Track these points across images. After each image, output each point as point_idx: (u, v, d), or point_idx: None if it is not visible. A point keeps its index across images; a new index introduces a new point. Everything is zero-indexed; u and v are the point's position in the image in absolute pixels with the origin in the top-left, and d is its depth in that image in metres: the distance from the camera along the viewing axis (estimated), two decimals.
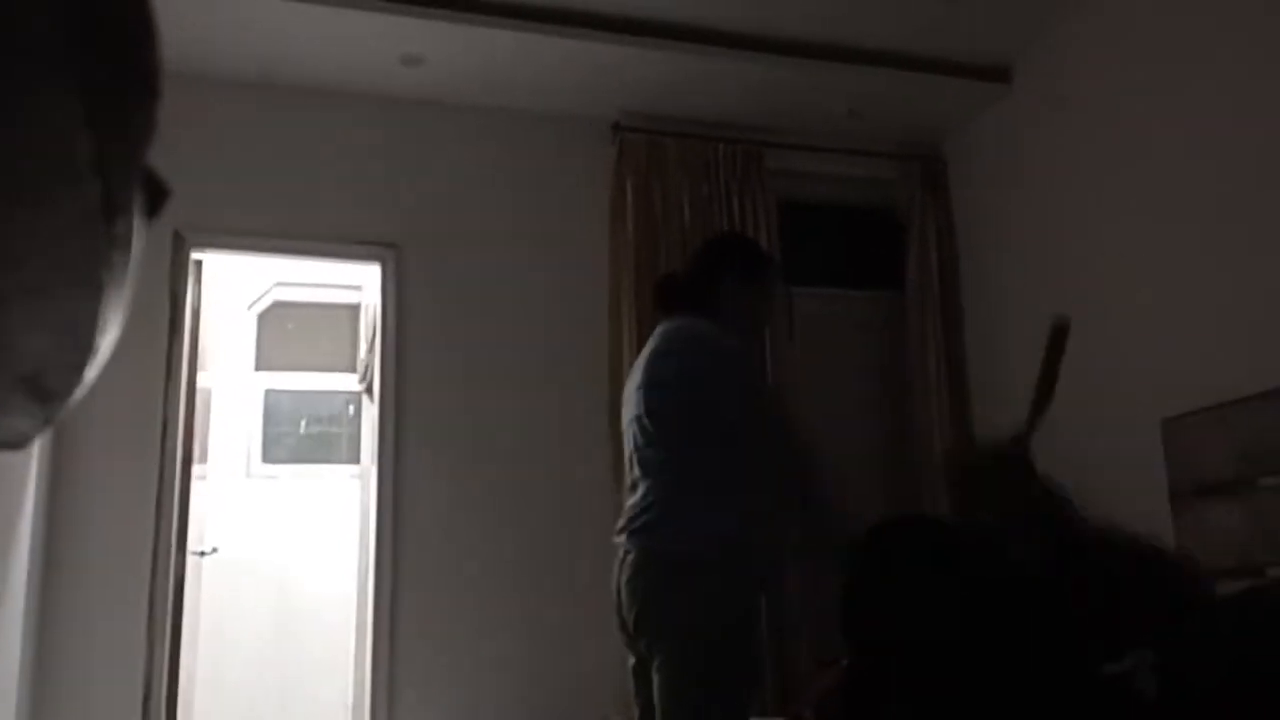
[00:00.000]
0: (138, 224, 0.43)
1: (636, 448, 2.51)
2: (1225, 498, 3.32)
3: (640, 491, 2.48)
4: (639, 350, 4.32)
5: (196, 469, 4.32)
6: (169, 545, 3.88)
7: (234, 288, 6.08)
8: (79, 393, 0.45)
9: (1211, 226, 3.51)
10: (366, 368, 4.91)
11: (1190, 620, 2.40)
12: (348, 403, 6.23)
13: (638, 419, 2.50)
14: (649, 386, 2.51)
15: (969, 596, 2.29)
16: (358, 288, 5.53)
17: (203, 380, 4.51)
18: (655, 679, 2.36)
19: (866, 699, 2.28)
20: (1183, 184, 3.63)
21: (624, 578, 2.44)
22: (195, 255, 4.16)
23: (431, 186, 4.39)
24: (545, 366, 4.32)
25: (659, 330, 2.60)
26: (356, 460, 5.51)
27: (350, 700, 4.86)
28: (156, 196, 0.44)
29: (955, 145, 4.92)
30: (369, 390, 4.68)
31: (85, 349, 0.43)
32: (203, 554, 4.72)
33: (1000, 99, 4.54)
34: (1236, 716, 1.99)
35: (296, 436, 6.36)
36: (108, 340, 0.44)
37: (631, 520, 2.47)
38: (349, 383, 5.96)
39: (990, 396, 4.63)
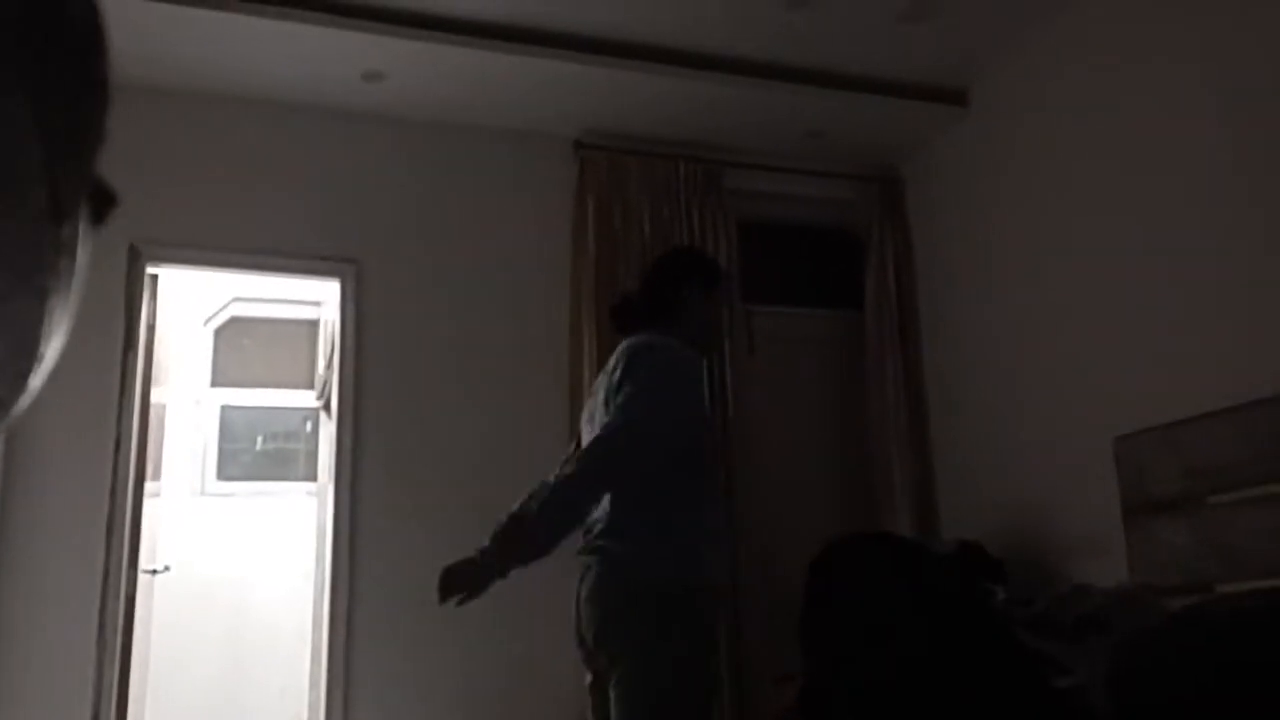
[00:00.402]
0: (84, 231, 0.43)
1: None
2: (1174, 515, 3.38)
3: (601, 509, 2.48)
4: (600, 367, 4.34)
5: (150, 486, 4.26)
6: (120, 563, 3.82)
7: (191, 303, 6.03)
8: (24, 401, 0.45)
9: (1162, 252, 3.58)
10: (325, 384, 4.88)
11: (1140, 635, 2.44)
12: (305, 419, 6.17)
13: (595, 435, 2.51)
14: (606, 404, 2.52)
15: (924, 611, 2.31)
16: (317, 304, 5.50)
17: (157, 396, 4.45)
18: (613, 694, 2.36)
19: (822, 711, 2.29)
20: (1134, 208, 3.70)
21: (584, 594, 2.45)
22: (151, 269, 4.12)
23: (392, 203, 4.38)
24: (505, 383, 4.31)
25: (619, 348, 2.61)
26: (314, 477, 5.46)
27: (304, 718, 4.80)
28: (104, 204, 0.45)
29: (913, 167, 4.99)
30: (327, 407, 4.65)
31: (30, 356, 0.43)
32: (155, 572, 4.65)
33: (958, 121, 4.62)
34: None
35: (253, 453, 6.29)
36: (53, 347, 0.44)
37: (592, 538, 2.47)
38: (307, 399, 5.91)
39: (947, 414, 4.68)
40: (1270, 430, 3.09)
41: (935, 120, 4.66)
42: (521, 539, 2.37)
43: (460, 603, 2.45)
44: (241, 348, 6.30)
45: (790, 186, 4.93)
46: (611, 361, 2.60)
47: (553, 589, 4.17)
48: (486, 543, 2.46)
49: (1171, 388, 3.47)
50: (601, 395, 2.59)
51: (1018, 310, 4.26)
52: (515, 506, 2.54)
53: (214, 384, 6.24)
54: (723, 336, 2.95)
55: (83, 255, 0.42)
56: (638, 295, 2.79)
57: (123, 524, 3.85)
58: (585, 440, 2.59)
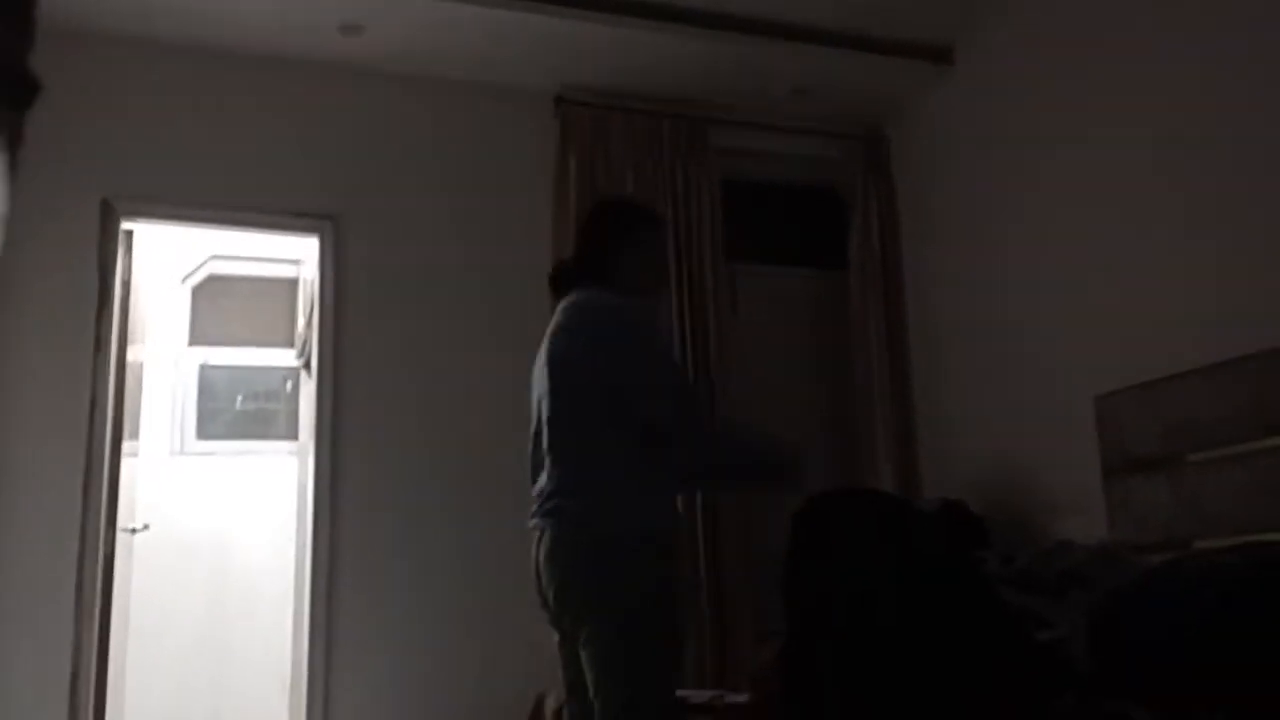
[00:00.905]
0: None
1: (545, 424, 2.50)
2: (1154, 473, 3.40)
3: (552, 470, 2.47)
4: None
5: (128, 445, 4.23)
6: (98, 522, 3.79)
7: (168, 261, 5.95)
8: None
9: (1143, 209, 3.58)
10: (305, 343, 4.83)
11: (1119, 590, 2.46)
12: (285, 378, 6.12)
13: (546, 396, 2.50)
14: (554, 364, 2.51)
15: (908, 567, 2.32)
16: (296, 261, 5.44)
17: (134, 354, 4.40)
18: (583, 654, 2.36)
19: (804, 669, 2.30)
20: (1117, 166, 3.69)
21: (541, 556, 2.44)
22: (125, 225, 4.05)
23: (371, 158, 4.32)
24: (486, 341, 4.28)
25: (561, 306, 2.60)
26: (295, 437, 5.43)
27: (288, 677, 4.81)
28: (27, 90, 0.42)
29: (898, 125, 4.96)
30: (307, 365, 4.61)
31: None
32: (134, 531, 4.63)
33: (944, 79, 4.58)
34: (1160, 676, 2.04)
35: (232, 412, 6.25)
36: None
37: (545, 500, 2.46)
38: (287, 358, 5.87)
39: (930, 374, 4.69)
40: (1249, 388, 3.10)
41: (921, 78, 4.62)
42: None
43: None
44: (219, 306, 6.24)
45: (775, 144, 4.89)
46: (559, 319, 2.56)
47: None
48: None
49: (1152, 346, 3.47)
50: (546, 353, 2.55)
51: (1001, 269, 4.26)
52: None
53: (192, 343, 6.18)
54: (665, 283, 2.89)
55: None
56: (573, 258, 2.76)
57: (100, 482, 3.82)
58: (542, 409, 2.55)
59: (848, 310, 4.84)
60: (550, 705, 3.31)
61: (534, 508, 2.50)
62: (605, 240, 2.69)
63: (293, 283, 5.78)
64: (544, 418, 2.50)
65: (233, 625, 5.65)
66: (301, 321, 5.14)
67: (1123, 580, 2.63)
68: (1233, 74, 3.28)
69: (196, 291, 6.23)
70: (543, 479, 2.49)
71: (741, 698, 2.85)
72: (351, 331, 4.18)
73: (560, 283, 2.71)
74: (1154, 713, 1.93)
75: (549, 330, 2.59)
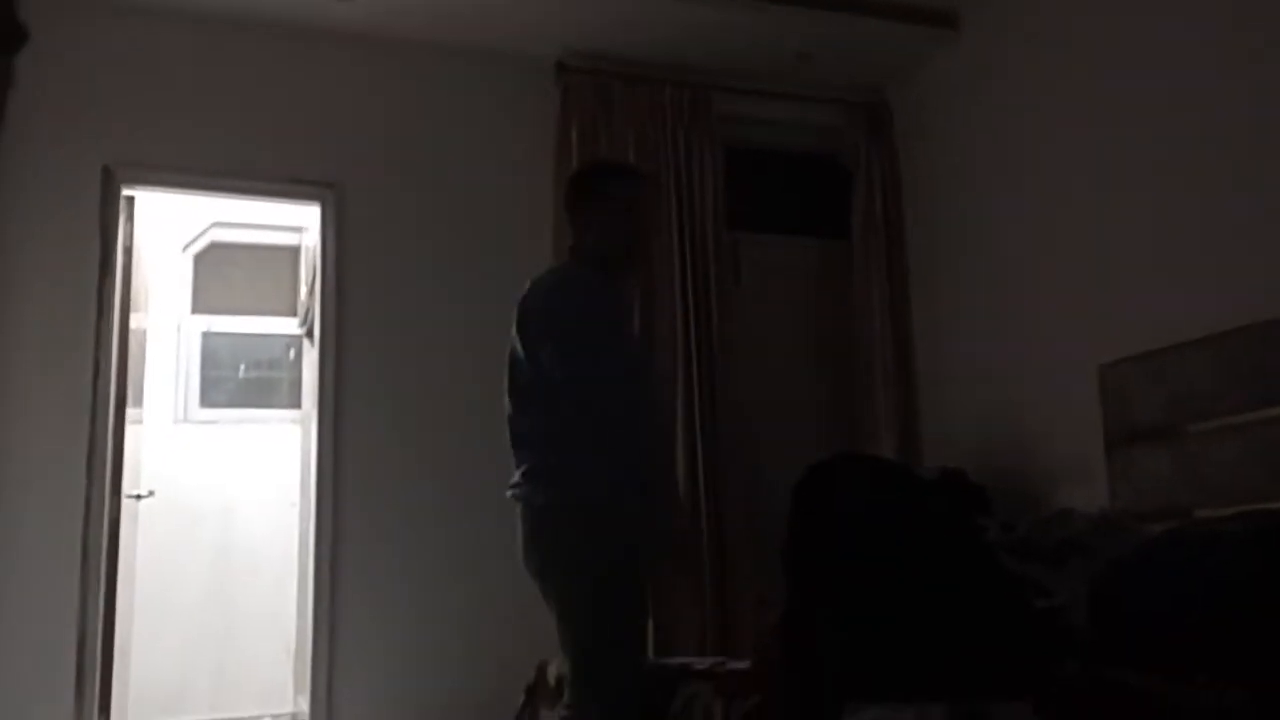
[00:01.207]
0: None
1: (510, 397, 2.59)
2: (1156, 443, 3.40)
3: (519, 445, 2.56)
4: None
5: (131, 412, 4.24)
6: (103, 488, 3.81)
7: (170, 229, 5.94)
8: None
9: (1146, 178, 3.56)
10: (307, 311, 4.83)
11: (1120, 559, 2.47)
12: (288, 346, 6.13)
13: (510, 368, 2.60)
14: (518, 339, 2.58)
15: (909, 534, 2.33)
16: (298, 229, 5.43)
17: (136, 322, 4.40)
18: (554, 617, 2.43)
19: (804, 636, 2.32)
20: (1121, 134, 3.66)
21: (522, 530, 2.52)
22: (127, 191, 4.04)
23: (372, 125, 4.30)
24: (487, 307, 4.25)
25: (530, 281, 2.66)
26: (297, 405, 5.44)
27: (293, 641, 4.85)
28: (14, 36, 0.41)
29: (902, 92, 4.92)
30: (310, 334, 4.62)
31: None
32: (139, 497, 4.66)
33: (948, 45, 4.54)
34: (1161, 645, 2.05)
35: (235, 380, 6.26)
36: None
37: (520, 475, 2.54)
38: (289, 326, 5.87)
39: (933, 344, 4.68)
40: (1251, 359, 3.10)
41: (925, 43, 4.58)
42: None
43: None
44: (222, 274, 6.23)
45: (778, 111, 4.86)
46: (524, 294, 2.63)
47: None
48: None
49: (1156, 316, 3.46)
50: (514, 328, 2.61)
51: (1005, 237, 4.24)
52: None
53: (195, 310, 6.19)
54: (634, 245, 2.76)
55: None
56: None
57: (104, 449, 3.83)
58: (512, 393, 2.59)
59: (850, 278, 4.83)
60: (552, 671, 3.33)
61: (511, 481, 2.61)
62: (570, 210, 2.70)
63: (295, 251, 5.77)
64: (509, 389, 2.60)
65: (237, 590, 5.69)
66: (304, 290, 5.14)
67: (1123, 549, 2.64)
68: (1240, 41, 3.25)
69: (199, 259, 6.23)
70: (517, 452, 2.60)
71: (743, 664, 2.87)
72: (353, 299, 4.17)
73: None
74: (1154, 681, 1.94)
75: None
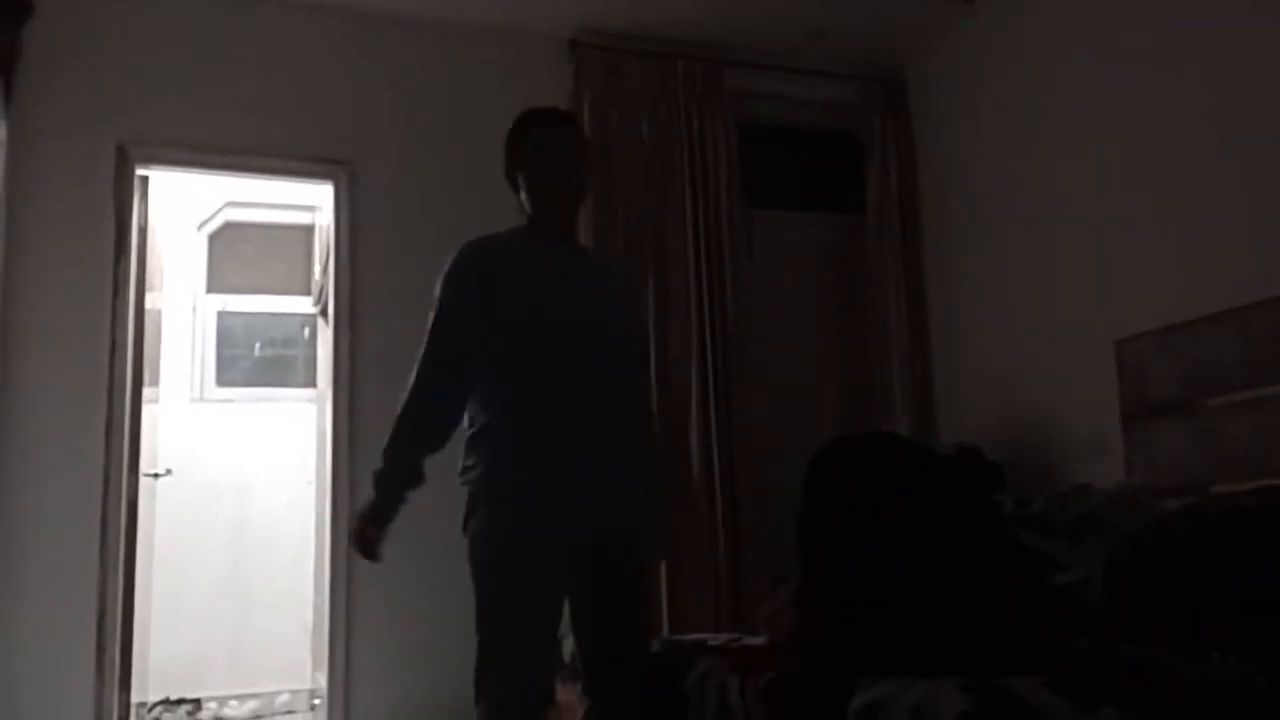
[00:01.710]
0: None
1: None
2: (1173, 417, 3.38)
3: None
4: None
5: (148, 392, 4.26)
6: (121, 466, 3.84)
7: (183, 208, 5.95)
8: None
9: (1164, 153, 3.52)
10: (321, 290, 4.84)
11: (1136, 534, 2.46)
12: (303, 325, 6.15)
13: None
14: None
15: (924, 510, 2.33)
16: (312, 208, 5.43)
17: (152, 301, 4.42)
18: None
19: (818, 611, 2.32)
20: (1139, 108, 3.62)
21: None
22: (141, 171, 4.04)
23: (384, 103, 4.29)
24: None
25: None
26: (313, 384, 5.46)
27: (310, 621, 4.89)
28: (19, 9, 0.40)
29: (917, 67, 4.88)
30: (324, 313, 4.62)
31: None
32: (156, 476, 4.69)
33: (963, 19, 4.50)
34: (1177, 620, 2.05)
35: (251, 359, 6.28)
36: None
37: None
38: (304, 305, 5.88)
39: (948, 320, 4.66)
40: (1269, 332, 3.08)
41: (940, 17, 4.53)
42: None
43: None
44: (236, 253, 6.25)
45: (792, 87, 4.83)
46: None
47: None
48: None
49: (1173, 290, 3.44)
50: None
51: (1021, 213, 4.21)
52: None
53: (210, 290, 6.21)
54: (552, 196, 2.54)
55: None
56: None
57: (121, 428, 3.86)
58: None
59: (865, 255, 4.80)
60: (568, 647, 3.35)
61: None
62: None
63: (309, 230, 5.78)
64: None
65: (254, 568, 5.73)
66: (318, 268, 5.15)
67: (1140, 524, 2.63)
68: (1262, 15, 3.20)
69: (213, 238, 6.24)
70: None
71: (758, 640, 2.87)
72: (367, 278, 4.17)
73: None
74: (1170, 656, 1.94)
75: None
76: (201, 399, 6.03)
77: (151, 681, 4.99)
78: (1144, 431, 3.50)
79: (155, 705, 5.29)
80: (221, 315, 6.19)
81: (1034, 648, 2.07)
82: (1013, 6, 4.28)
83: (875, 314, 4.74)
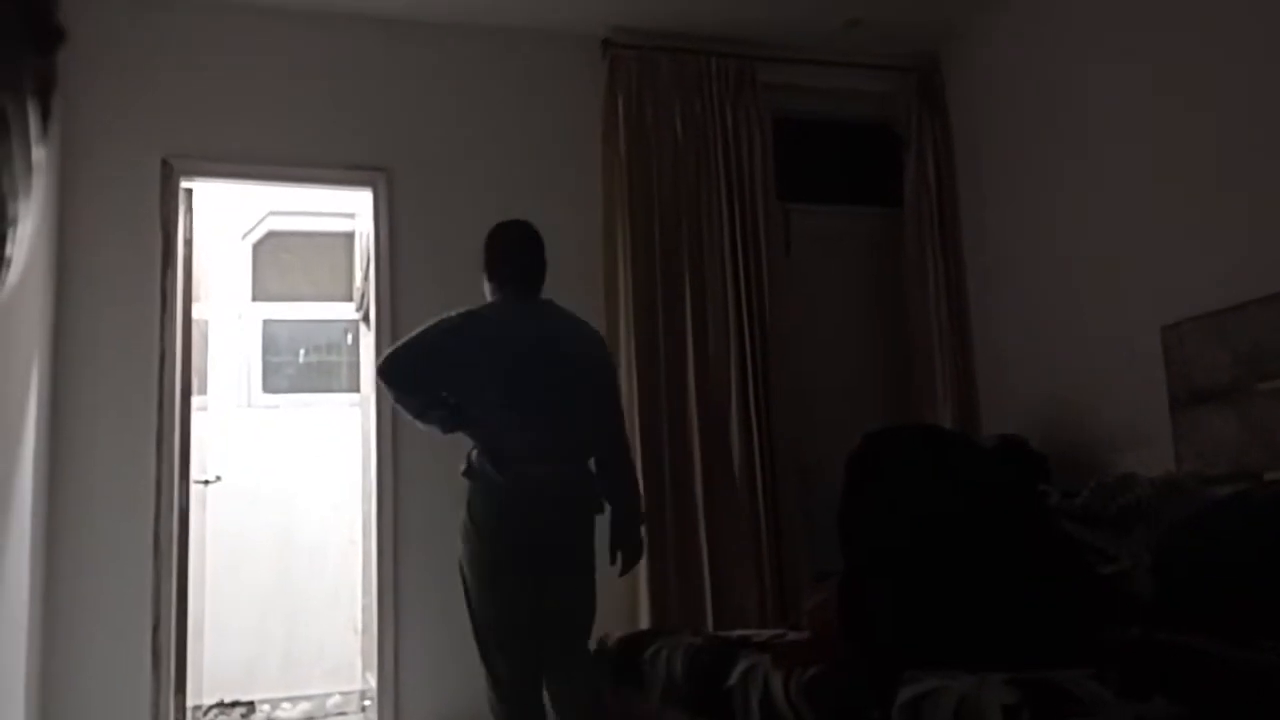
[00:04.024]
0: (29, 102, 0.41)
1: None
2: (1222, 404, 3.33)
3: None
4: (634, 269, 4.34)
5: (197, 400, 4.33)
6: (172, 475, 3.90)
7: (227, 218, 6.04)
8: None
9: (1207, 135, 3.46)
10: (363, 295, 4.89)
11: (1185, 522, 2.42)
12: (346, 331, 6.22)
13: None
14: None
15: (967, 501, 2.31)
16: (352, 215, 5.49)
17: (199, 311, 4.50)
18: None
19: (861, 606, 2.31)
20: (1182, 95, 3.57)
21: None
22: (185, 184, 4.12)
23: (420, 108, 4.33)
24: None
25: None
26: (356, 388, 5.52)
27: (359, 622, 4.95)
28: (52, 36, 0.42)
29: (954, 56, 4.83)
30: (366, 318, 4.67)
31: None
32: (207, 483, 4.77)
33: (1000, 8, 4.45)
34: (1228, 608, 2.02)
35: (296, 366, 6.37)
36: (24, 211, 0.42)
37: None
38: (346, 311, 5.95)
39: (988, 310, 4.61)
40: None
41: (977, 6, 4.49)
42: None
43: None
44: (280, 262, 6.33)
45: (826, 80, 4.80)
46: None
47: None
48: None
49: (1220, 275, 3.38)
50: None
51: (1062, 200, 4.16)
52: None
53: (255, 298, 6.29)
54: (502, 284, 3.20)
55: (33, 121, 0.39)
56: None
57: (171, 436, 3.93)
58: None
59: (903, 247, 4.77)
60: (612, 646, 3.36)
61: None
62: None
63: (350, 236, 5.84)
64: None
65: (303, 571, 5.80)
66: (359, 274, 5.20)
67: (1189, 512, 2.59)
68: None
69: (257, 248, 6.32)
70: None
71: (802, 636, 2.86)
72: (407, 282, 4.21)
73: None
74: (1220, 645, 1.91)
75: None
76: (248, 406, 6.12)
77: (206, 685, 5.08)
78: (1192, 418, 3.44)
79: (210, 708, 5.37)
80: (266, 323, 6.28)
81: (1081, 639, 2.05)
82: None
83: (915, 306, 4.71)
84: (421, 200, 4.27)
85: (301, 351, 6.39)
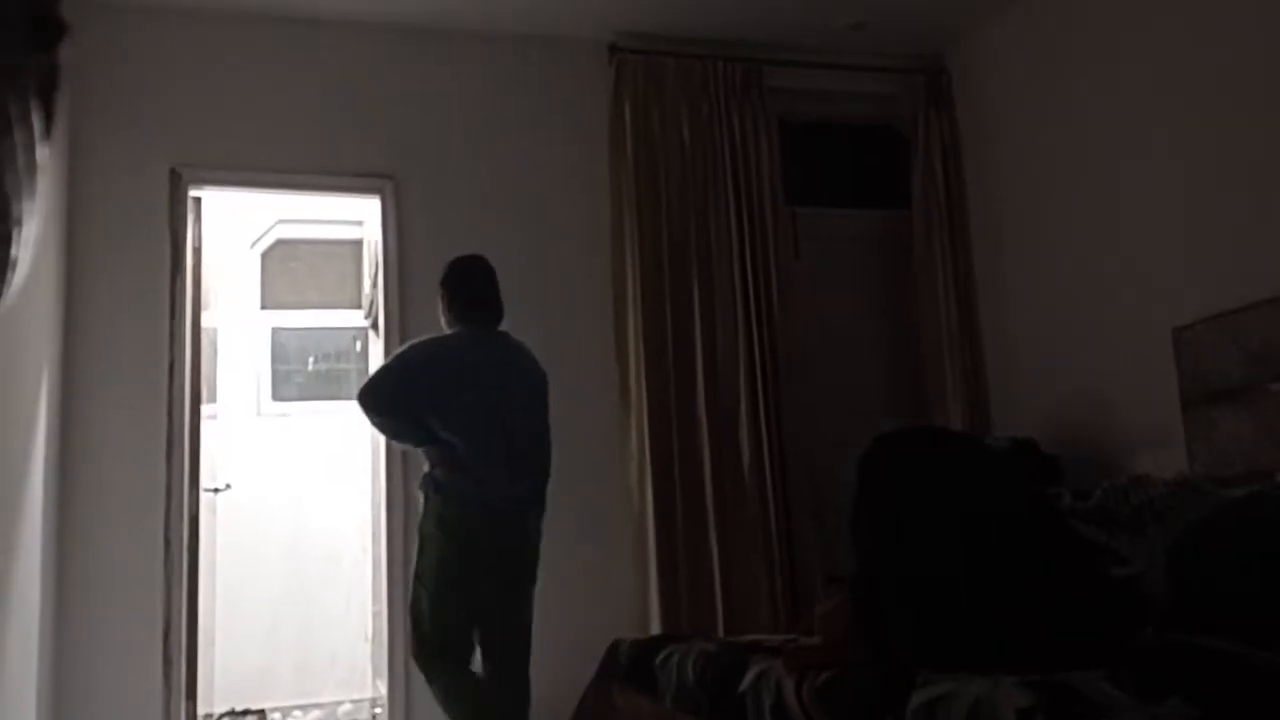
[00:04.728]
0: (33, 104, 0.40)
1: None
2: (1235, 404, 3.31)
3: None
4: (642, 273, 4.33)
5: (206, 408, 4.34)
6: (182, 483, 3.91)
7: (236, 226, 6.06)
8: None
9: (1221, 137, 3.45)
10: (371, 303, 4.90)
11: (1200, 523, 2.40)
12: (354, 338, 6.23)
13: None
14: None
15: (979, 503, 2.29)
16: (360, 223, 5.50)
17: (208, 320, 4.50)
18: None
19: (873, 609, 2.30)
20: (1193, 92, 3.55)
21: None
22: (194, 193, 4.13)
23: (426, 116, 4.33)
24: (548, 293, 4.30)
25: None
26: None
27: (370, 630, 4.94)
28: (55, 29, 0.42)
29: (960, 57, 4.82)
30: (375, 325, 4.68)
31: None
32: (216, 491, 4.77)
33: (1006, 8, 4.44)
34: (1243, 610, 2.00)
35: (305, 374, 6.38)
36: (29, 212, 0.42)
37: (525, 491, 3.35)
38: (355, 319, 5.96)
39: (998, 311, 4.60)
40: None
41: (982, 6, 4.48)
42: None
43: None
44: (288, 270, 6.34)
45: (833, 83, 4.80)
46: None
47: (601, 495, 4.22)
48: None
49: (1232, 274, 3.36)
50: None
51: (1072, 201, 4.14)
52: None
53: (263, 306, 6.31)
54: (456, 310, 3.42)
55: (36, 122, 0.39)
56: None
57: (181, 444, 3.93)
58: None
59: (912, 249, 4.76)
60: (624, 652, 3.35)
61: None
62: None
63: (358, 244, 5.85)
64: None
65: (314, 578, 5.81)
66: (367, 282, 5.21)
67: (1203, 513, 2.57)
68: None
69: (265, 256, 6.34)
70: None
71: (814, 640, 2.85)
72: (416, 289, 4.21)
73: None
74: (1235, 647, 1.89)
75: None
76: (258, 414, 6.13)
77: (217, 693, 5.08)
78: (1205, 418, 3.42)
79: (222, 716, 5.37)
80: (275, 331, 6.29)
81: (1095, 641, 2.03)
82: None
83: (925, 308, 4.69)
84: (429, 207, 4.27)
85: (310, 359, 6.40)
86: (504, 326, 4.20)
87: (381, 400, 3.24)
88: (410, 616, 3.28)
